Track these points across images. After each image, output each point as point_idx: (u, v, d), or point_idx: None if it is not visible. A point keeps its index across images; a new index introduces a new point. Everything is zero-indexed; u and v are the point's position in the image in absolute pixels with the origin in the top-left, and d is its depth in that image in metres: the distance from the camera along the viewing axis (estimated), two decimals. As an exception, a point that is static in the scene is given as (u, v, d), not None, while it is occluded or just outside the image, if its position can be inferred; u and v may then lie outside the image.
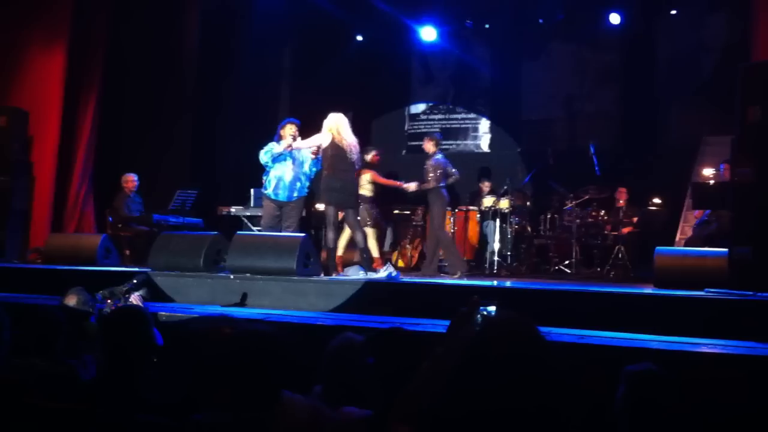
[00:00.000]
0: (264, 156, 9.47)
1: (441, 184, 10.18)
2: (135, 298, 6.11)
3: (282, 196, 9.45)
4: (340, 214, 9.27)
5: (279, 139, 9.52)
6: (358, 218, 9.65)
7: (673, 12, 13.25)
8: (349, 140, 9.01)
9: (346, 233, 10.27)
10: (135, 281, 6.57)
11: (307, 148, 9.14)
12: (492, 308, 2.58)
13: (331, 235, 8.93)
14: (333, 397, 3.38)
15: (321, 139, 8.95)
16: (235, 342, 2.92)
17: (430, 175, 10.22)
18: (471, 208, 12.34)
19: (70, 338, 4.55)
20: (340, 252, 10.21)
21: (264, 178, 9.58)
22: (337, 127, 8.97)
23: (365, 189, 10.59)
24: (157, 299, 7.60)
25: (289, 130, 9.41)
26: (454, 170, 10.42)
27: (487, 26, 14.73)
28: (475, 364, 1.61)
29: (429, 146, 10.44)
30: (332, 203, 8.92)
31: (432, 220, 10.44)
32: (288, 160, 9.41)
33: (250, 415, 2.72)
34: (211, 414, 2.75)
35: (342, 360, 3.59)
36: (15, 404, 3.16)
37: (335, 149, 8.89)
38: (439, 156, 10.37)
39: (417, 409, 2.29)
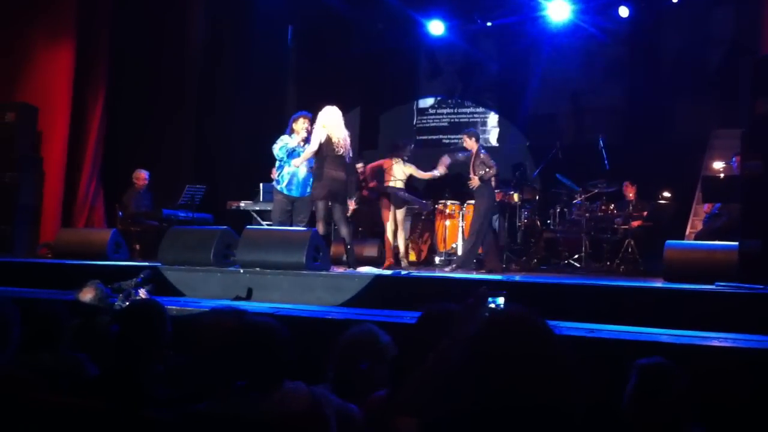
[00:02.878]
0: (279, 152, 9.49)
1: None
2: (143, 293, 6.13)
3: (295, 191, 9.48)
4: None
5: (291, 132, 9.54)
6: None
7: (675, 0, 13.10)
8: (339, 134, 8.96)
9: (399, 228, 10.32)
10: (142, 276, 6.59)
11: (311, 153, 9.06)
12: (500, 300, 2.57)
13: (322, 228, 8.94)
14: (342, 387, 3.38)
15: (318, 138, 8.92)
16: (236, 332, 2.96)
17: (486, 169, 10.00)
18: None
19: (81, 333, 4.55)
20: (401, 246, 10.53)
21: (276, 171, 9.58)
22: (328, 122, 8.94)
23: (398, 182, 10.55)
24: (167, 294, 7.63)
25: (301, 123, 9.44)
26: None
27: (493, 23, 14.65)
28: (482, 358, 1.61)
29: (471, 143, 10.16)
30: (321, 198, 8.96)
31: (474, 216, 10.20)
32: (302, 156, 9.40)
33: (251, 402, 2.74)
34: (213, 403, 2.78)
35: (357, 352, 3.57)
36: (22, 399, 3.17)
37: (327, 146, 8.88)
38: (483, 151, 10.25)
39: (422, 401, 2.29)
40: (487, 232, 10.19)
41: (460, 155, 10.60)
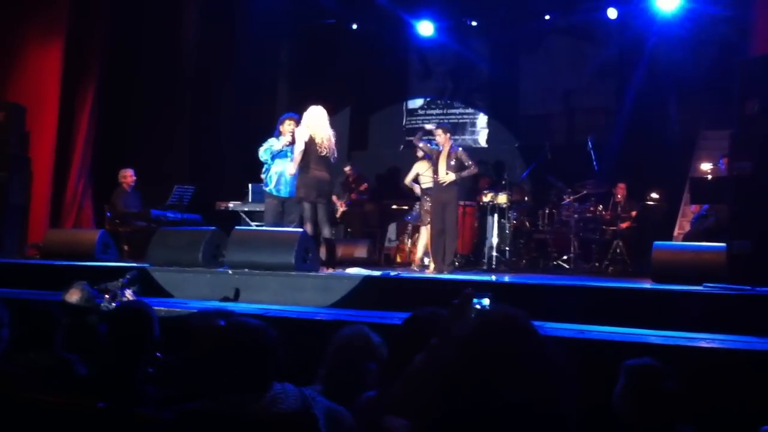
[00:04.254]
0: (264, 154, 9.52)
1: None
2: (129, 294, 6.11)
3: (284, 192, 9.48)
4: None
5: (279, 134, 9.55)
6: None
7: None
8: (323, 134, 8.93)
9: (424, 233, 10.20)
10: (128, 277, 6.57)
11: (301, 154, 9.01)
12: (486, 301, 2.58)
13: (310, 229, 8.89)
14: (335, 388, 3.37)
15: (302, 139, 8.90)
16: (226, 333, 2.96)
17: (468, 164, 9.84)
18: (469, 203, 12.29)
19: (70, 333, 4.54)
20: (419, 253, 10.33)
21: (263, 175, 9.61)
22: (312, 122, 8.92)
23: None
24: (155, 294, 7.62)
25: (288, 125, 9.42)
26: None
27: (484, 22, 14.63)
28: (472, 357, 1.61)
29: (444, 138, 9.90)
30: (306, 199, 8.93)
31: (451, 213, 9.83)
32: (288, 156, 9.40)
33: (241, 402, 2.75)
34: (204, 402, 2.78)
35: (349, 353, 3.57)
36: (13, 399, 3.16)
37: (310, 145, 8.86)
38: (457, 147, 10.08)
39: (411, 401, 2.29)
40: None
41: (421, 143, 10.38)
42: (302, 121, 9.01)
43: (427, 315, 3.16)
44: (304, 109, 9.22)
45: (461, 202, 11.96)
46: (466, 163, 9.81)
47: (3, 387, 3.26)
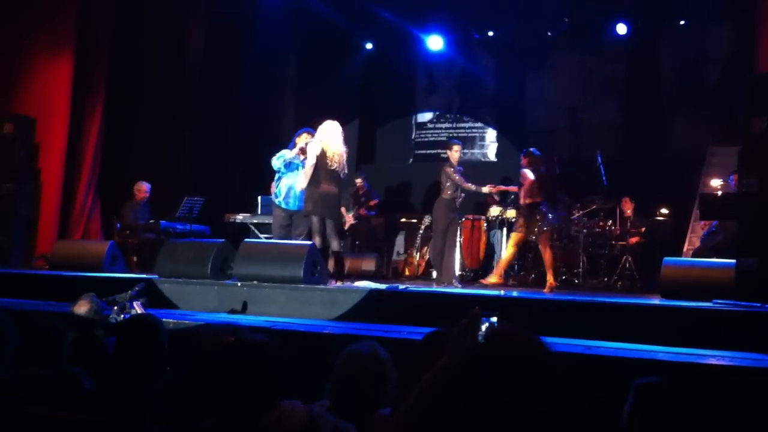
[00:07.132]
0: (276, 161, 9.56)
1: None
2: (137, 306, 6.12)
3: (293, 205, 9.49)
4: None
5: (294, 147, 9.58)
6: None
7: (682, 22, 13.15)
8: (335, 149, 8.92)
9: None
10: (137, 289, 6.58)
11: (312, 167, 9.01)
12: (494, 320, 2.57)
13: (318, 242, 8.88)
14: (341, 404, 3.36)
15: (314, 152, 8.89)
16: (235, 350, 2.95)
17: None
18: (477, 217, 12.28)
19: (76, 346, 4.54)
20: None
21: (274, 184, 9.62)
22: (325, 136, 8.92)
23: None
24: (163, 306, 7.62)
25: (304, 139, 9.46)
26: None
27: (492, 35, 14.63)
28: (477, 377, 1.60)
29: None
30: (314, 213, 8.92)
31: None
32: (299, 168, 9.41)
33: (248, 420, 2.74)
34: (212, 420, 2.77)
35: (356, 369, 3.55)
36: (18, 413, 3.16)
37: (321, 159, 8.85)
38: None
39: (417, 419, 2.28)
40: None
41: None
42: (315, 135, 9.00)
43: (446, 333, 3.15)
44: (312, 121, 9.23)
45: (469, 216, 12.06)
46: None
47: (8, 401, 3.25)
